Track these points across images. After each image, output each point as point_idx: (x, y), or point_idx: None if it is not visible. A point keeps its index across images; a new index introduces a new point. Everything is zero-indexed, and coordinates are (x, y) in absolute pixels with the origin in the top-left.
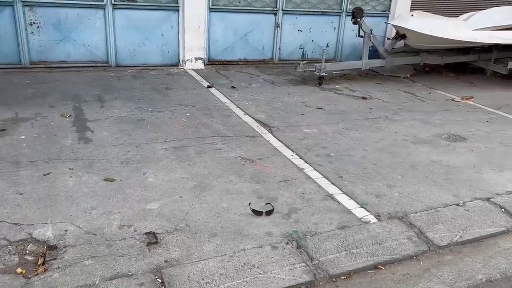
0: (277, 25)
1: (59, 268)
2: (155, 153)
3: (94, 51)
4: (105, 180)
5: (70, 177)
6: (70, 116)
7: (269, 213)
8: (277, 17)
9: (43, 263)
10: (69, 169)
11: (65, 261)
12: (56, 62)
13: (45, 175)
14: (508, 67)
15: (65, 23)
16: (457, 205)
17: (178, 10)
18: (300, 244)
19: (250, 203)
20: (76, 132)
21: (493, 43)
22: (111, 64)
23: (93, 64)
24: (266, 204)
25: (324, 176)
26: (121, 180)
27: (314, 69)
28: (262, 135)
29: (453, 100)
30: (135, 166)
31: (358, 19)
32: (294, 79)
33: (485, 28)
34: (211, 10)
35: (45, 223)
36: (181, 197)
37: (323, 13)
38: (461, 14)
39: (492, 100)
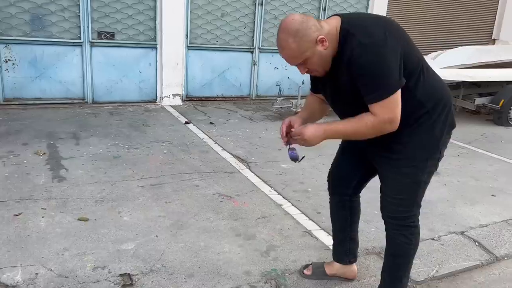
0: (254, 63)
1: None
2: (131, 191)
3: (71, 87)
4: (79, 219)
5: (43, 217)
6: (44, 154)
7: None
8: (253, 55)
9: None
10: (42, 209)
11: None
12: (31, 99)
13: (16, 215)
14: (475, 103)
15: (42, 60)
16: (433, 239)
17: (156, 48)
18: (279, 283)
19: (303, 156)
20: (50, 171)
21: (460, 81)
22: (87, 101)
23: (69, 101)
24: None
25: (302, 212)
26: (95, 219)
27: (290, 105)
28: (240, 171)
29: None
30: (110, 205)
31: None
32: (271, 115)
33: (453, 66)
34: (189, 48)
35: (15, 266)
36: (157, 236)
37: None
38: (429, 53)
39: (462, 134)
